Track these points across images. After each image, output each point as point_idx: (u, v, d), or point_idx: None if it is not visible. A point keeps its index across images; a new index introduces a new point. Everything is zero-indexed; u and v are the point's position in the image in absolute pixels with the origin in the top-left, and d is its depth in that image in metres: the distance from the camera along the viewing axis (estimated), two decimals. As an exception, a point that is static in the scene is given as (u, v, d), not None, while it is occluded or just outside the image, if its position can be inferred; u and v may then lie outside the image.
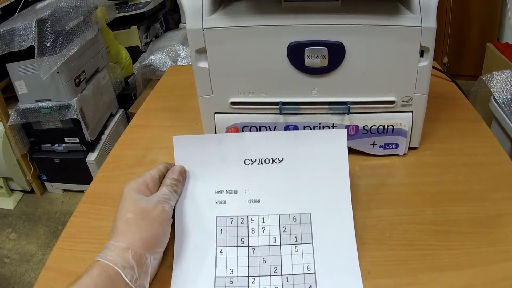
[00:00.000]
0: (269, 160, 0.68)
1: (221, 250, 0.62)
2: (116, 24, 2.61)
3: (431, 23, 0.68)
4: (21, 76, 2.01)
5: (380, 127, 0.78)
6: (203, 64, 0.75)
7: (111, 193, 0.77)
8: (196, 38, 0.73)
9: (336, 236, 0.63)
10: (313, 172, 0.67)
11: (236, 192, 0.67)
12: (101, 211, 0.74)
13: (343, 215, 0.64)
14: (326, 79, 0.74)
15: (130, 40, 2.76)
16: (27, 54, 1.91)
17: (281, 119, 0.79)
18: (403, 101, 0.75)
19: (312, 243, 0.62)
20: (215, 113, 0.80)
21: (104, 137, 2.37)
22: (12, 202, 2.39)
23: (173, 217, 0.65)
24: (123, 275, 0.53)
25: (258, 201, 0.66)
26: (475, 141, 0.84)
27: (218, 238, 0.63)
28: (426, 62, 0.71)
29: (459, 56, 2.72)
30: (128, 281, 0.54)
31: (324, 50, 0.71)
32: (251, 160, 0.68)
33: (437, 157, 0.80)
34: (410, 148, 0.82)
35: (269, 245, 0.62)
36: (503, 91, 1.66)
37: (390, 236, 0.65)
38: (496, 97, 1.65)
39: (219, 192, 0.67)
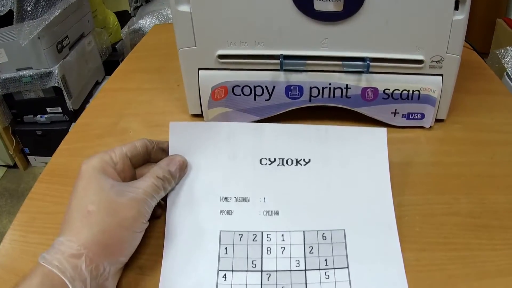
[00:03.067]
0: (292, 161, 0.57)
1: (225, 275, 0.50)
2: (104, -12, 2.61)
3: (470, -35, 0.59)
4: (1, 44, 1.94)
5: (404, 92, 0.68)
6: (184, 8, 0.63)
7: (73, 170, 0.65)
8: (176, -27, 0.61)
9: (379, 259, 0.51)
10: (347, 178, 0.57)
11: (248, 200, 0.56)
12: (60, 192, 0.63)
13: (386, 232, 0.53)
14: (340, 28, 0.63)
15: (118, 5, 2.78)
16: (7, 20, 1.85)
17: (281, 77, 0.68)
18: (432, 61, 0.65)
19: (347, 267, 0.50)
20: (199, 69, 0.69)
21: (88, 106, 2.26)
22: (-5, 178, 2.37)
23: (153, 216, 0.53)
24: None
25: (276, 213, 0.55)
26: (507, 117, 0.75)
27: (221, 260, 0.52)
28: (462, 16, 0.61)
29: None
30: None
31: (339, -10, 0.59)
32: (269, 159, 0.57)
33: (467, 132, 0.72)
34: (436, 120, 0.73)
35: (290, 270, 0.50)
36: None
37: (421, 231, 0.55)
38: (510, 73, 1.63)
39: (226, 199, 0.56)
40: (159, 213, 0.55)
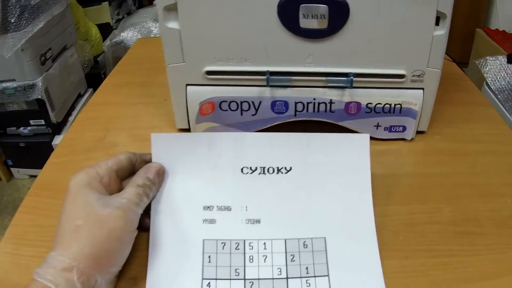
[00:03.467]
0: (273, 169, 0.57)
1: (209, 283, 0.50)
2: (86, 0, 2.55)
3: (450, -16, 0.60)
4: (-16, 56, 1.91)
5: (386, 105, 0.69)
6: (173, 25, 0.63)
7: (62, 184, 0.63)
8: (165, -8, 0.61)
9: (358, 266, 0.51)
10: (328, 186, 0.56)
11: (230, 209, 0.55)
12: (50, 205, 0.63)
13: (365, 240, 0.53)
14: (324, 45, 0.64)
15: (101, 17, 2.70)
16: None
17: (267, 92, 0.68)
18: (413, 75, 0.67)
19: (328, 275, 0.51)
20: (187, 85, 0.69)
21: (71, 118, 2.29)
22: (-22, 190, 2.31)
23: (143, 228, 0.53)
24: None
25: (258, 221, 0.55)
26: (486, 127, 0.77)
27: (204, 268, 0.51)
28: (443, 31, 0.63)
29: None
30: None
31: (324, 8, 0.60)
32: (251, 168, 0.57)
33: (448, 143, 0.73)
34: (417, 132, 0.74)
35: (272, 278, 0.51)
36: (496, 77, 1.72)
37: (404, 239, 0.56)
38: (489, 83, 1.66)
39: (208, 208, 0.55)
40: (148, 224, 0.55)
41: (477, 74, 1.70)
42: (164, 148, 0.57)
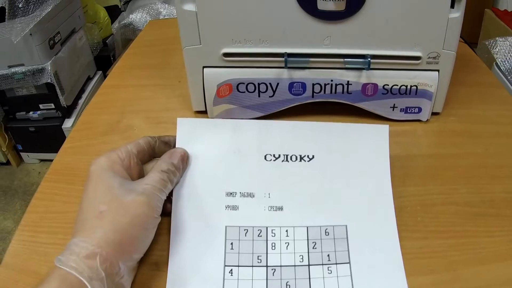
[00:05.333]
0: (296, 157, 0.57)
1: (231, 270, 0.50)
2: (94, -17, 2.54)
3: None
4: (-7, 41, 1.91)
5: (402, 87, 0.69)
6: (190, 7, 0.63)
7: (79, 168, 0.66)
8: (182, -27, 0.61)
9: (379, 254, 0.52)
10: (350, 175, 0.57)
11: (253, 196, 0.55)
12: (67, 191, 0.62)
13: (386, 228, 0.53)
14: (342, 27, 0.63)
15: None
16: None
17: (285, 74, 0.68)
18: (429, 57, 0.66)
19: (349, 263, 0.51)
20: (204, 67, 0.68)
21: (81, 101, 2.29)
22: (-12, 175, 2.32)
23: (164, 213, 0.52)
24: None
25: (281, 208, 0.55)
26: (499, 109, 0.77)
27: (227, 255, 0.51)
28: (458, 14, 0.63)
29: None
30: None
31: (341, -10, 0.59)
32: (274, 155, 0.57)
33: (462, 124, 0.73)
34: (432, 113, 0.73)
35: (295, 266, 0.50)
36: (506, 58, 1.68)
37: (422, 220, 0.56)
38: (499, 64, 1.63)
39: (231, 194, 0.55)
40: (169, 209, 0.54)
41: (486, 55, 1.67)
42: (189, 132, 0.57)
